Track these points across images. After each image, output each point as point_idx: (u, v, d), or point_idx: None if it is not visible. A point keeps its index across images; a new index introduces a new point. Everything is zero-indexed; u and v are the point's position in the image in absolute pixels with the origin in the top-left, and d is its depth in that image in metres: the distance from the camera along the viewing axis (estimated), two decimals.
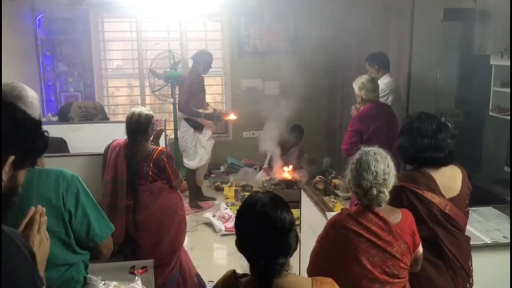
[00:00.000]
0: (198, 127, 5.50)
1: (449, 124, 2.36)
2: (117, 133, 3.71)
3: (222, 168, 6.61)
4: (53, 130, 4.74)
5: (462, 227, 2.32)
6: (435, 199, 2.25)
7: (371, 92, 3.76)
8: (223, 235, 4.68)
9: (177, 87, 6.27)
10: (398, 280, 2.00)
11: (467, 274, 2.33)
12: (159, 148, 3.24)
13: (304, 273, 2.11)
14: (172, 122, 6.21)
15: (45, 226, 1.50)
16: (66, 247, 1.74)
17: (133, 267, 2.53)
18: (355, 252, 1.96)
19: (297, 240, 1.55)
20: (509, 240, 2.62)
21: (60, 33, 6.03)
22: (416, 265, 2.16)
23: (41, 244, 1.46)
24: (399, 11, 4.52)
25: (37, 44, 6.00)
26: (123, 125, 4.45)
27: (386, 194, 2.00)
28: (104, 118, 5.42)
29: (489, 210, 3.01)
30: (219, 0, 6.11)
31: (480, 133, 4.07)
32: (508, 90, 3.48)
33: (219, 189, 6.10)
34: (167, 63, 6.36)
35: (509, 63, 3.34)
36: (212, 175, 6.47)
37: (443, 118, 2.41)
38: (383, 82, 4.19)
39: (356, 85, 3.79)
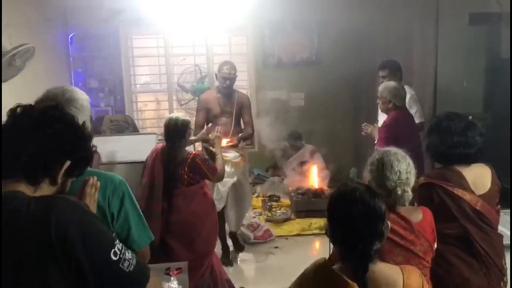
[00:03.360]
0: (210, 156, 4.10)
1: (476, 123, 2.39)
2: (147, 144, 3.83)
3: (249, 179, 6.65)
4: None
5: (494, 225, 2.32)
6: (466, 195, 2.26)
7: (403, 99, 3.78)
8: (251, 243, 4.71)
9: None
10: None
11: (501, 272, 2.32)
12: (194, 152, 3.36)
13: None
14: None
15: (95, 199, 1.60)
16: None
17: (168, 268, 2.60)
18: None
19: (387, 228, 1.60)
20: None
21: (91, 50, 6.24)
22: None
23: None
24: (423, 17, 4.54)
25: (70, 61, 6.22)
26: (154, 137, 4.58)
27: (410, 193, 2.03)
28: (135, 131, 5.55)
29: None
30: (243, 13, 6.22)
31: (509, 136, 4.04)
32: None
33: None
34: (194, 77, 6.52)
35: None
36: None
37: (471, 117, 2.43)
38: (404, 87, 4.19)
39: (387, 91, 3.73)
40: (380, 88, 3.82)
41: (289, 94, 6.74)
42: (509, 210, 2.98)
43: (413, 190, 2.06)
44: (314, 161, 6.25)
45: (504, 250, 2.37)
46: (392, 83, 3.83)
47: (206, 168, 3.33)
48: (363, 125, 4.04)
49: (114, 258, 1.25)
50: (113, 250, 1.26)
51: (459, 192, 2.27)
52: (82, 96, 1.85)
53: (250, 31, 6.69)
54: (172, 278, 2.51)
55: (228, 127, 4.38)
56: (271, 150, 6.73)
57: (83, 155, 1.39)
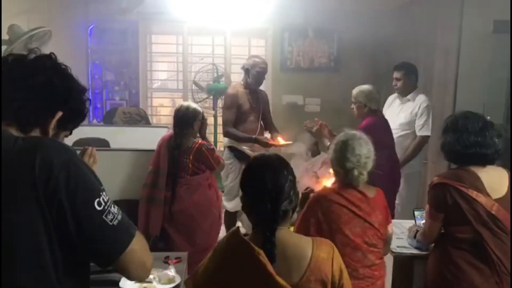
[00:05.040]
0: (244, 159, 4.01)
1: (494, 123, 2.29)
2: (159, 137, 3.82)
3: None
4: (97, 132, 4.89)
5: (508, 230, 2.20)
6: (481, 198, 2.16)
7: (378, 103, 3.67)
8: None
9: (219, 100, 6.37)
10: (376, 249, 2.19)
11: None
12: (200, 141, 3.30)
13: None
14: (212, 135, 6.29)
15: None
16: None
17: (167, 257, 2.54)
18: (338, 222, 2.16)
19: (297, 197, 1.63)
20: None
21: (109, 43, 6.25)
22: (386, 247, 2.34)
23: None
24: (446, 24, 4.44)
25: (87, 52, 6.24)
26: (165, 130, 4.55)
27: (365, 175, 2.23)
28: (147, 124, 5.53)
29: None
30: (264, 16, 6.19)
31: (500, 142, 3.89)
32: None
33: None
34: (210, 76, 6.49)
35: None
36: None
37: (489, 117, 2.33)
38: (421, 98, 4.05)
39: (363, 95, 3.60)
40: (354, 92, 3.68)
41: (305, 99, 6.67)
42: None
43: (370, 172, 2.25)
44: (325, 170, 6.13)
45: None
46: (366, 87, 3.68)
47: (212, 158, 3.28)
48: (305, 122, 3.86)
49: (98, 208, 1.19)
50: (97, 200, 1.19)
51: (473, 194, 2.16)
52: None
53: (270, 34, 6.64)
54: (170, 266, 2.45)
55: (256, 125, 4.21)
56: (283, 154, 6.65)
57: (76, 106, 1.34)
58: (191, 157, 3.21)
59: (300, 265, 1.52)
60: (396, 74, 4.14)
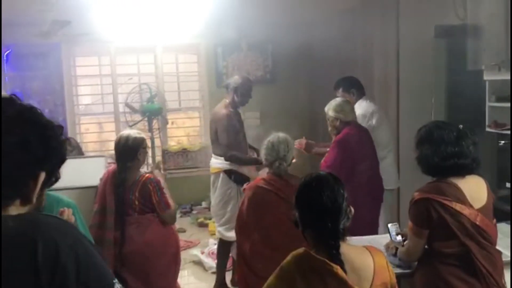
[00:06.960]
0: (242, 182, 3.72)
1: (468, 131, 2.23)
2: (96, 168, 3.50)
3: (204, 204, 6.31)
4: None
5: (493, 240, 2.15)
6: (465, 210, 2.08)
7: (350, 113, 3.59)
8: (213, 272, 4.36)
9: (154, 121, 6.06)
10: None
11: None
12: (146, 175, 2.95)
13: None
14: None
15: None
16: None
17: None
18: (266, 202, 2.75)
19: (351, 213, 1.74)
20: None
21: (30, 69, 5.74)
22: None
23: None
24: (384, 31, 4.48)
25: (5, 81, 5.68)
26: (103, 159, 4.19)
27: (285, 166, 2.85)
28: (80, 155, 5.10)
29: (504, 227, 2.84)
30: (195, 31, 5.99)
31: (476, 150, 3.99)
32: (506, 105, 3.40)
33: (203, 225, 5.78)
34: (143, 97, 6.15)
35: (505, 77, 3.27)
36: (194, 212, 6.18)
37: (461, 125, 2.27)
38: (361, 106, 4.01)
39: (331, 109, 3.55)
40: (326, 108, 3.62)
41: (244, 113, 6.50)
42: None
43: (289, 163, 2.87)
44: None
45: (503, 268, 2.20)
46: (336, 100, 3.65)
47: (156, 199, 2.90)
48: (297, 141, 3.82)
49: None
50: None
51: (457, 206, 2.08)
52: None
53: (202, 49, 6.45)
54: None
55: (246, 144, 4.13)
56: None
57: (59, 158, 1.05)
58: (136, 194, 2.88)
59: (368, 273, 1.66)
60: (336, 93, 4.07)
